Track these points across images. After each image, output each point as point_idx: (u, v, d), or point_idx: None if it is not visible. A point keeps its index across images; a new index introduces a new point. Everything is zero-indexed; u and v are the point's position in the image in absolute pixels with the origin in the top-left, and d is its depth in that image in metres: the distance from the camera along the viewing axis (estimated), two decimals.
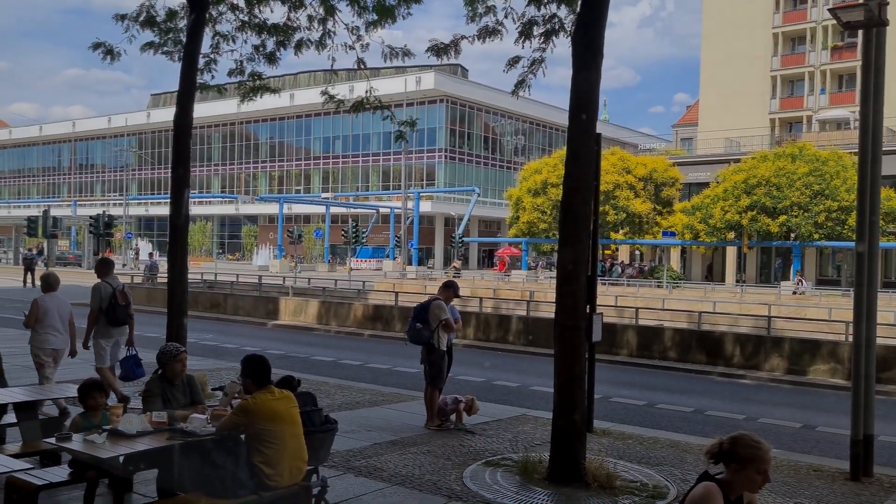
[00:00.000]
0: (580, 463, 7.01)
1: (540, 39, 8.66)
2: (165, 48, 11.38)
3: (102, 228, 33.45)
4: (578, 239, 7.21)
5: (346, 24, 10.45)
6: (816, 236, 39.54)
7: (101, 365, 9.49)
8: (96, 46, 10.79)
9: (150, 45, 11.29)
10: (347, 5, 10.27)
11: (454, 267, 54.32)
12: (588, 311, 8.12)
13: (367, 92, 10.54)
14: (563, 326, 7.19)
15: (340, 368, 15.05)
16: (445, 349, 9.31)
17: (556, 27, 8.62)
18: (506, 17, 8.80)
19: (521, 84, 8.89)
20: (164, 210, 78.01)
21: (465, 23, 9.00)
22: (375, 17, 9.99)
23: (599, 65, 7.27)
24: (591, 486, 6.82)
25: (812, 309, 28.78)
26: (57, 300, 8.94)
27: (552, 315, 7.86)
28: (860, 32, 8.07)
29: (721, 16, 60.44)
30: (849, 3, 8.27)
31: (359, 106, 10.58)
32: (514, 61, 8.73)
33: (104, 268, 9.55)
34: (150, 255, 39.74)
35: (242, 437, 5.14)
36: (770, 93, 60.12)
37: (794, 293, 38.63)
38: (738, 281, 46.32)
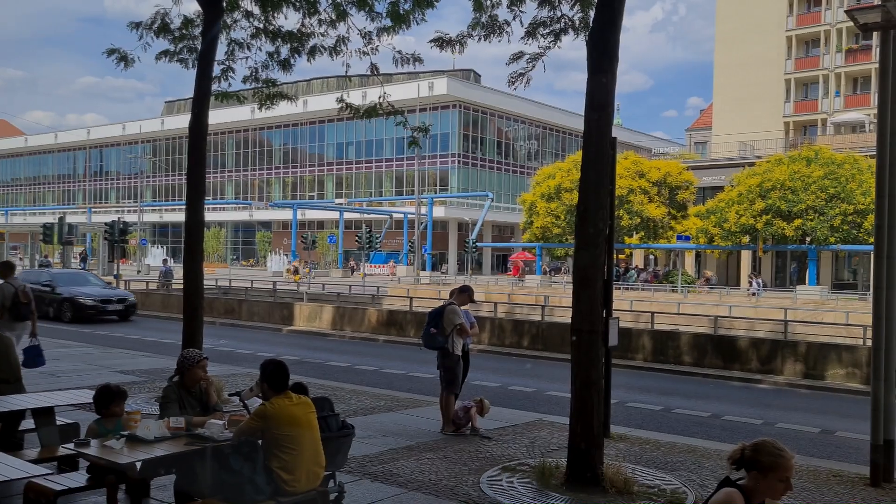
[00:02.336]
0: (597, 468, 6.97)
1: (549, 39, 8.66)
2: (180, 56, 11.46)
3: (117, 235, 33.60)
4: (595, 243, 7.18)
5: (359, 30, 10.50)
6: (832, 240, 39.25)
7: None
8: (111, 53, 10.89)
9: (165, 53, 11.38)
10: (360, 11, 10.32)
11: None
12: (604, 315, 8.08)
13: (380, 98, 10.57)
14: (579, 331, 7.16)
15: (355, 374, 15.06)
16: (460, 354, 9.29)
17: (566, 27, 8.61)
18: (514, 19, 8.81)
19: (519, 77, 8.87)
20: (178, 216, 78.54)
21: (480, 30, 9.02)
22: (389, 24, 10.02)
23: (615, 69, 7.26)
24: (608, 491, 6.77)
25: (829, 313, 28.55)
26: None
27: (567, 320, 7.84)
28: (877, 35, 8.00)
29: (734, 19, 60.24)
30: (865, 5, 8.21)
31: (372, 111, 10.62)
32: (517, 56, 8.73)
33: (6, 270, 10.67)
34: (165, 261, 39.96)
35: (259, 442, 5.15)
36: (784, 96, 59.83)
37: (753, 294, 38.55)
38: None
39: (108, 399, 5.90)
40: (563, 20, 8.48)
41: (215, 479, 5.11)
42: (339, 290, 33.23)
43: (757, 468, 3.25)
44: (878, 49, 8.74)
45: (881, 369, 7.79)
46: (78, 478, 5.56)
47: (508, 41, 9.00)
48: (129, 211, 79.35)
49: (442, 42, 8.97)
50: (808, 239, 40.66)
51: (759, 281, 41.71)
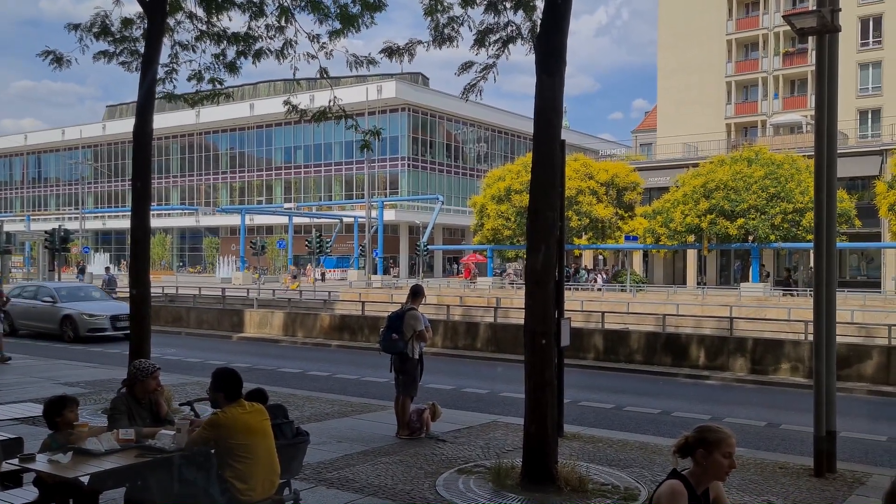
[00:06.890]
0: (552, 467, 7.03)
1: (497, 46, 8.71)
2: (122, 58, 11.22)
3: (58, 243, 32.67)
4: (546, 244, 7.25)
5: (307, 33, 10.42)
6: (773, 238, 40.33)
7: None
8: (45, 54, 10.62)
9: (103, 53, 11.12)
10: (309, 14, 10.25)
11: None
12: (556, 316, 8.17)
13: (330, 101, 10.49)
14: (532, 332, 7.21)
15: (308, 380, 14.91)
16: (418, 358, 9.28)
17: (514, 34, 8.67)
18: (462, 24, 8.83)
19: (471, 88, 8.90)
20: (121, 223, 76.45)
21: (430, 36, 9.00)
22: (339, 26, 9.97)
23: (563, 71, 7.34)
24: (563, 490, 6.85)
25: (772, 310, 29.33)
26: None
27: (520, 321, 7.89)
28: (812, 39, 8.27)
29: (676, 24, 61.47)
30: (802, 10, 8.47)
31: (322, 115, 10.53)
32: (466, 66, 8.74)
33: None
34: (107, 268, 38.99)
35: (213, 451, 5.06)
36: (725, 98, 61.23)
37: (600, 290, 40.52)
38: (699, 283, 47.01)
39: (60, 406, 5.67)
40: (510, 27, 8.53)
41: (168, 491, 5.01)
42: (290, 295, 32.87)
43: (703, 445, 3.39)
44: (814, 52, 9.03)
45: (823, 362, 8.03)
46: (22, 494, 5.38)
47: (457, 47, 9.01)
48: (70, 218, 77.13)
49: (391, 52, 8.93)
50: (750, 237, 41.71)
51: (602, 276, 46.52)
